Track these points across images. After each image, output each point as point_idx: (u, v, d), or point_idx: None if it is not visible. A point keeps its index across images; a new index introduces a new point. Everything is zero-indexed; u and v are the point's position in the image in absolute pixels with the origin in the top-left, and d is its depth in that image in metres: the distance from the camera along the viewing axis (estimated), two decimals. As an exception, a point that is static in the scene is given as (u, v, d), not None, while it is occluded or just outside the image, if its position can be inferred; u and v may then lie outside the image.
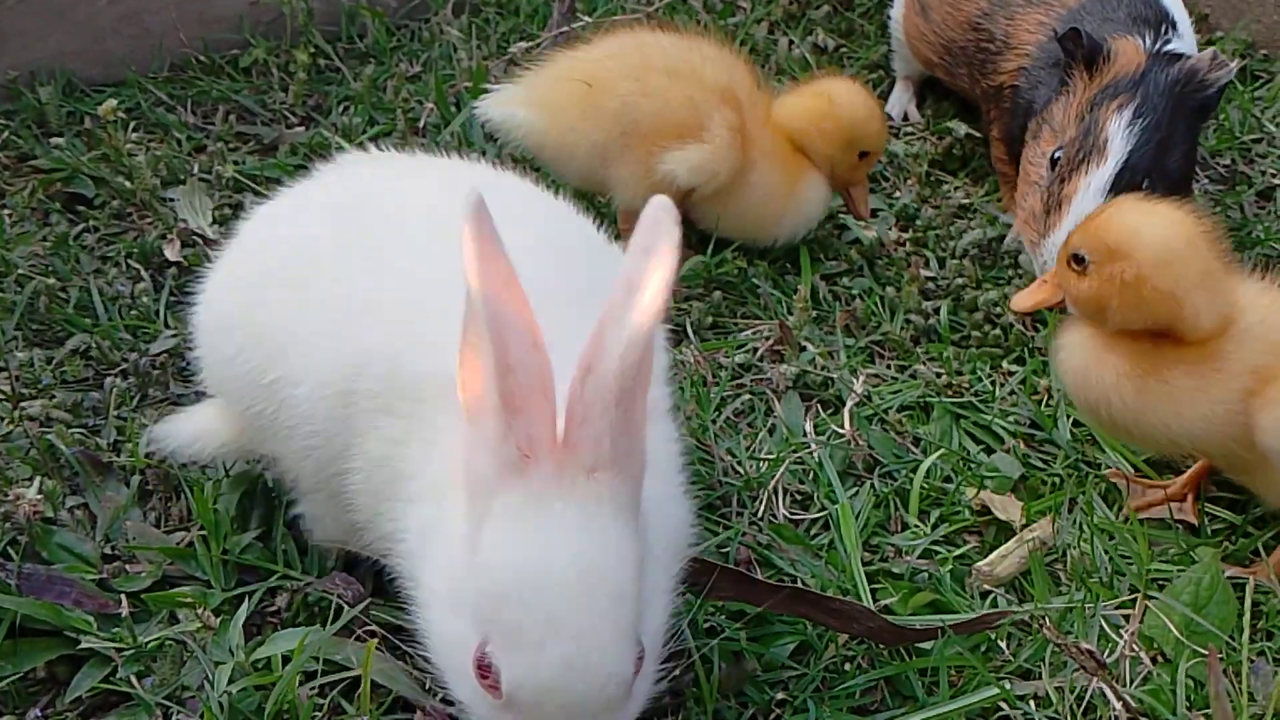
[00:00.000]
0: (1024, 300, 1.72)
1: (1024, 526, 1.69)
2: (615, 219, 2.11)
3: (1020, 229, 2.07)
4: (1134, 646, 1.50)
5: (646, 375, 1.07)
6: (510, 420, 1.05)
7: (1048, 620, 1.46)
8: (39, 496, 1.57)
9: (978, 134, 2.49)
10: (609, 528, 1.07)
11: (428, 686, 1.33)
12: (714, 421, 1.82)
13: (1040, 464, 1.81)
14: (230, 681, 1.38)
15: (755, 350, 1.98)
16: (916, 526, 1.70)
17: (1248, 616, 1.47)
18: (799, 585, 1.55)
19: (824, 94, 2.16)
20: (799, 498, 1.74)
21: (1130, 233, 1.54)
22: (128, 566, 1.53)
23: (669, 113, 2.05)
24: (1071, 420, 1.85)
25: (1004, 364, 1.98)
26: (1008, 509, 1.71)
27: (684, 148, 2.04)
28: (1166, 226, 1.55)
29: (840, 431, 1.83)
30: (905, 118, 2.60)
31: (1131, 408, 1.56)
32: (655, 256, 1.04)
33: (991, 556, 1.64)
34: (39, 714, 1.37)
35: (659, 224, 1.06)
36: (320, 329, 1.29)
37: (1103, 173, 1.92)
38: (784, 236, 2.18)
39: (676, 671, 1.38)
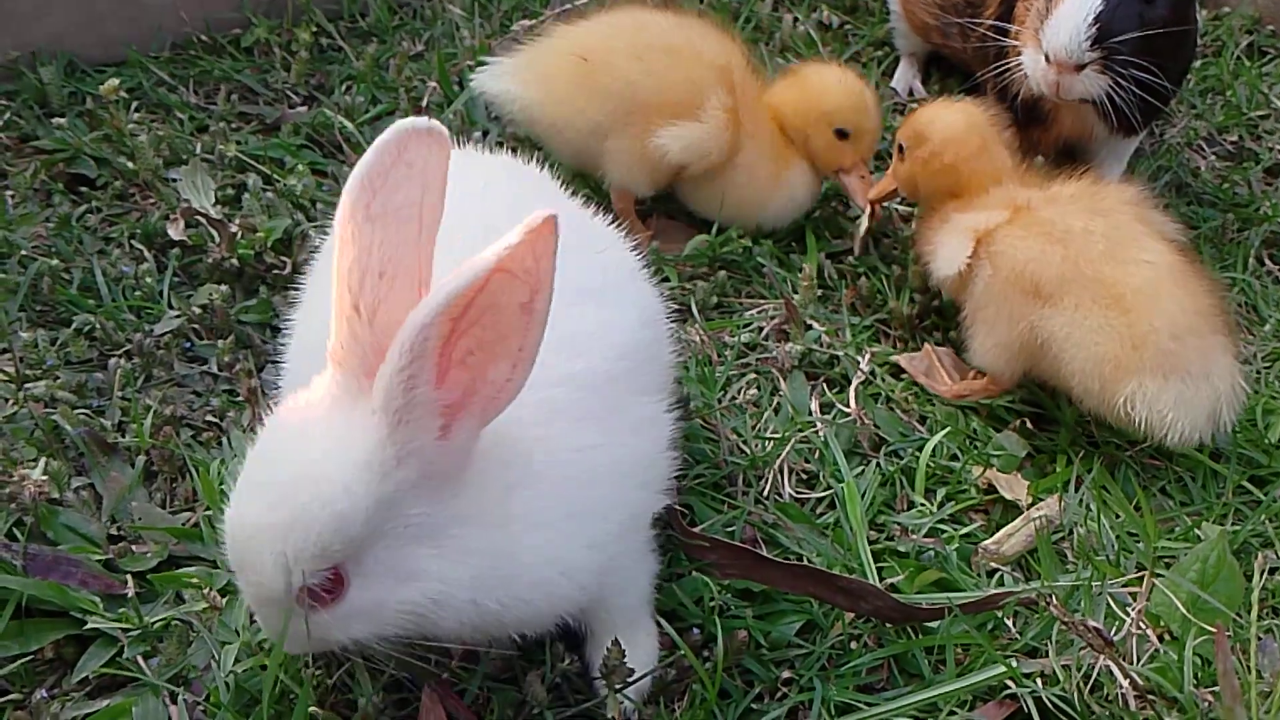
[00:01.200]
0: (871, 192, 2.10)
1: (1030, 505, 1.69)
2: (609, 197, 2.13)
3: (1027, 40, 2.02)
4: (1141, 624, 1.50)
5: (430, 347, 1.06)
6: (335, 325, 1.12)
7: (1054, 598, 1.46)
8: (44, 477, 1.57)
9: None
10: (339, 454, 1.08)
11: (434, 662, 1.33)
12: (719, 401, 1.82)
13: (1046, 442, 1.81)
14: (236, 662, 1.39)
15: (760, 329, 1.97)
16: (922, 505, 1.70)
17: (1256, 593, 1.47)
18: (805, 563, 1.54)
19: (800, 73, 2.15)
20: (805, 477, 1.74)
21: (927, 121, 1.95)
22: (133, 547, 1.53)
23: (667, 91, 2.04)
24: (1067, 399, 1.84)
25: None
26: (1014, 488, 1.71)
27: (679, 125, 2.04)
28: (954, 115, 1.94)
29: (846, 410, 1.82)
30: (911, 94, 2.58)
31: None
32: (485, 257, 1.02)
33: (998, 535, 1.64)
34: (45, 694, 1.37)
35: (528, 228, 1.03)
36: None
37: None
38: (769, 222, 2.17)
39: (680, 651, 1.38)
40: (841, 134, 2.11)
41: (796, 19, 2.68)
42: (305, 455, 1.10)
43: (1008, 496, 1.70)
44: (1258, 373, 1.95)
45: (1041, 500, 1.69)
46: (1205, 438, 1.69)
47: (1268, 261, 2.21)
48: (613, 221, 1.57)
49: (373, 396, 1.08)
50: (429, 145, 1.12)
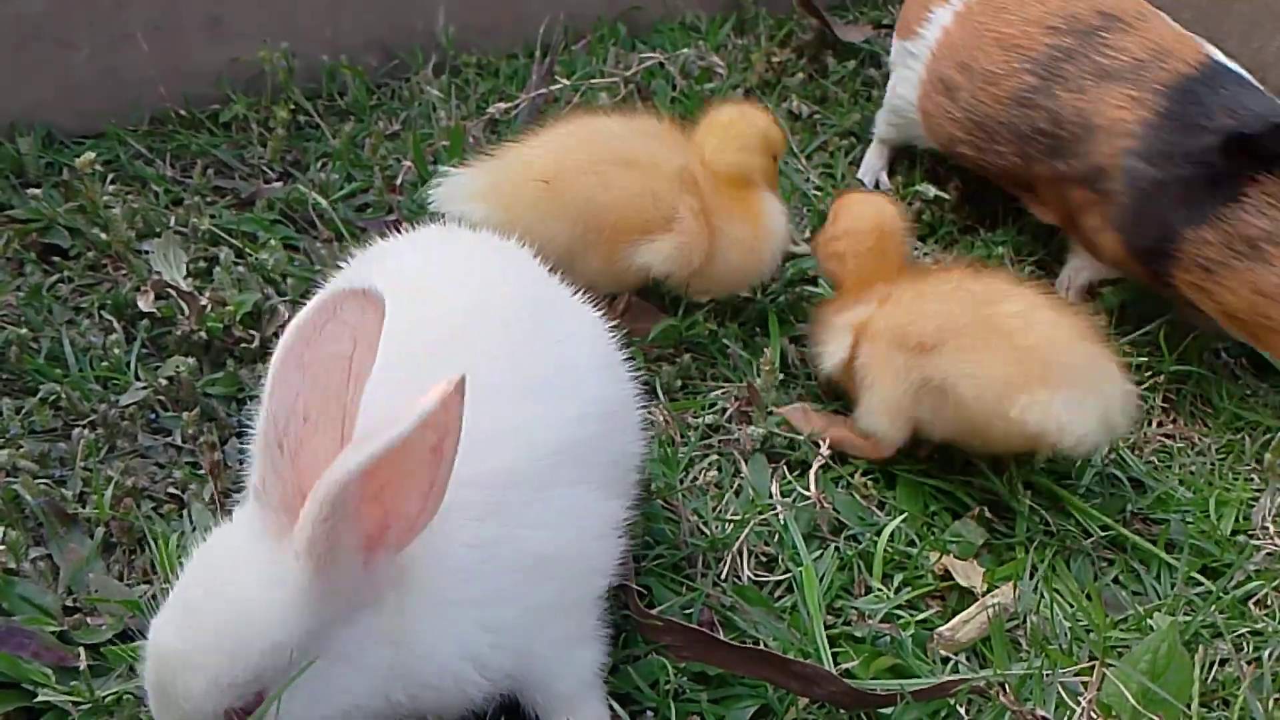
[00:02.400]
0: None
1: (986, 592, 1.70)
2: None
3: None
4: (1092, 714, 1.51)
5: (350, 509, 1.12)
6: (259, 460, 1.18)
7: (1007, 687, 1.47)
8: (1, 547, 1.57)
9: (946, 196, 2.53)
10: (270, 589, 1.13)
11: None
12: (681, 481, 1.83)
13: (1003, 530, 1.83)
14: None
15: (724, 411, 1.99)
16: (879, 590, 1.71)
17: (1197, 686, 1.49)
18: (761, 647, 1.55)
19: (721, 118, 2.18)
20: (764, 559, 1.75)
21: (842, 205, 2.08)
22: (88, 619, 1.53)
23: (632, 207, 2.03)
24: (1030, 490, 1.87)
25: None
26: (970, 575, 1.73)
27: (654, 241, 2.03)
28: (864, 207, 2.06)
29: (806, 494, 1.84)
30: (877, 185, 2.63)
31: None
32: (402, 424, 1.08)
33: (953, 621, 1.65)
34: (-7, 767, 1.36)
35: (443, 394, 1.09)
36: None
37: None
38: (769, 268, 2.19)
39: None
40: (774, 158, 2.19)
41: (768, 108, 2.74)
42: (237, 588, 1.15)
43: (963, 583, 1.71)
44: (1211, 465, 1.98)
45: (997, 588, 1.71)
46: (1101, 443, 1.79)
47: (1223, 354, 2.25)
48: (593, 306, 1.59)
49: (295, 540, 1.12)
50: (364, 306, 1.18)
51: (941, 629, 1.64)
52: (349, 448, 1.11)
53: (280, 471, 1.16)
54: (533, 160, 2.06)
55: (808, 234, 2.39)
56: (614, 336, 1.58)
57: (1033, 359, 1.75)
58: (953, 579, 1.72)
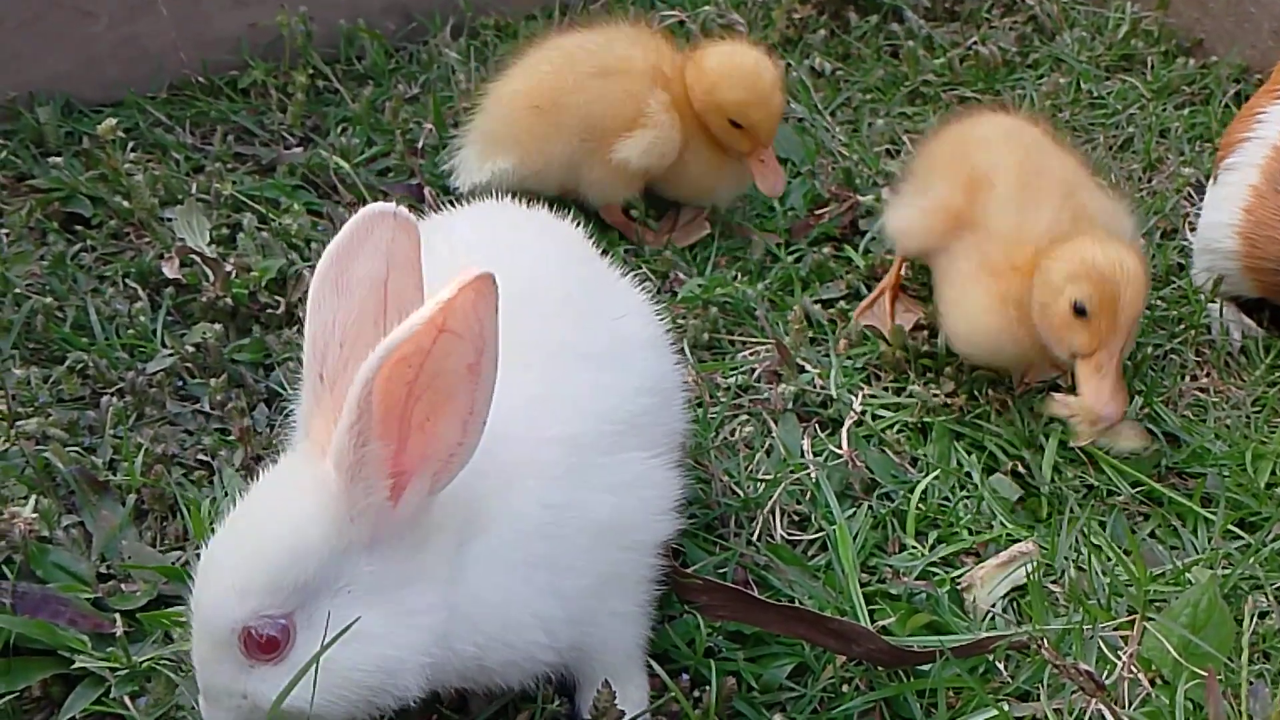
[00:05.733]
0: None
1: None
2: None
3: None
4: (1132, 668, 1.50)
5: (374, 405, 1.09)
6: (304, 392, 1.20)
7: (1046, 642, 1.46)
8: (34, 515, 1.57)
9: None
10: (297, 502, 1.13)
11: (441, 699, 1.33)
12: (712, 442, 1.82)
13: (1037, 487, 1.81)
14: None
15: (753, 371, 1.98)
16: (914, 547, 1.70)
17: (1246, 637, 1.47)
18: (797, 605, 1.54)
19: (701, 57, 2.20)
20: (796, 519, 1.74)
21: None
22: (123, 586, 1.53)
23: (615, 109, 2.17)
24: (1058, 443, 1.85)
25: (997, 388, 1.98)
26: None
27: (632, 136, 2.16)
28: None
29: (838, 452, 1.83)
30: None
31: None
32: (424, 310, 1.05)
33: (986, 564, 1.65)
34: (32, 734, 1.36)
35: (460, 287, 1.05)
36: None
37: None
38: (723, 200, 2.30)
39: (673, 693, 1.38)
40: (735, 124, 2.18)
41: (790, 65, 2.71)
42: (269, 499, 1.16)
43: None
44: (1246, 418, 1.96)
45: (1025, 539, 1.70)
46: None
47: (1257, 308, 2.23)
48: (642, 287, 1.61)
49: (329, 453, 1.11)
50: (395, 228, 1.17)
51: (974, 571, 1.63)
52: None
53: (321, 401, 1.15)
54: (516, 90, 2.22)
55: (832, 188, 2.37)
56: (661, 317, 1.58)
57: None
58: (988, 533, 1.71)
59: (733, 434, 1.86)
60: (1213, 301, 2.12)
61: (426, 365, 1.07)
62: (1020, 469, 1.84)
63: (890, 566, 1.66)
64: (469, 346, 1.08)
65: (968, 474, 1.82)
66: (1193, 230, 2.26)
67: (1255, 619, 1.56)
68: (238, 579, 1.12)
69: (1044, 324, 1.79)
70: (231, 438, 1.76)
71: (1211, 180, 2.18)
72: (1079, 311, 1.73)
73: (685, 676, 1.44)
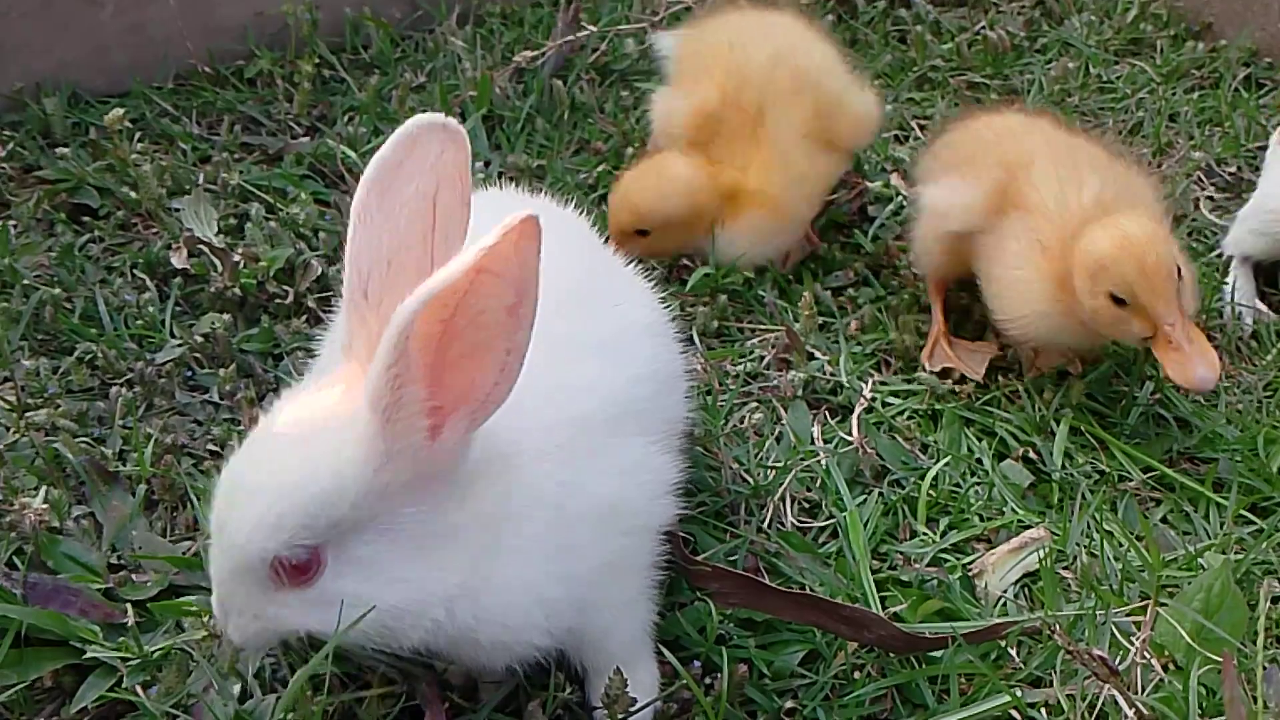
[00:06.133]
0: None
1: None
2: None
3: None
4: (1145, 653, 1.49)
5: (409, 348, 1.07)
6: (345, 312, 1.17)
7: (1059, 627, 1.46)
8: (45, 506, 1.57)
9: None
10: (336, 439, 1.10)
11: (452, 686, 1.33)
12: (722, 429, 1.81)
13: (1048, 473, 1.80)
14: (238, 693, 1.38)
15: (762, 359, 1.97)
16: (925, 534, 1.69)
17: (1261, 621, 1.46)
18: (808, 592, 1.54)
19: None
20: (807, 505, 1.73)
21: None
22: (134, 576, 1.53)
23: None
24: (1069, 429, 1.84)
25: (1008, 375, 1.97)
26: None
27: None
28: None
29: (848, 439, 1.82)
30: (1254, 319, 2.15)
31: None
32: (464, 255, 1.03)
33: (998, 550, 1.64)
34: (45, 723, 1.36)
35: (506, 228, 1.03)
36: None
37: None
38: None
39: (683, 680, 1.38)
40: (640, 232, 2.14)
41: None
42: (305, 431, 1.12)
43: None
44: (1259, 402, 1.95)
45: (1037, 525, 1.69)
46: None
47: (1268, 292, 2.21)
48: (645, 274, 1.59)
49: (365, 390, 1.08)
50: (444, 141, 1.15)
51: (986, 557, 1.63)
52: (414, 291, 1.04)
53: (366, 321, 1.13)
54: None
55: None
56: (665, 304, 1.57)
57: None
58: (999, 520, 1.70)
59: (742, 421, 1.85)
60: (1224, 284, 2.12)
61: (464, 304, 1.05)
62: (1031, 455, 1.83)
63: (901, 553, 1.66)
64: (509, 288, 1.06)
65: (978, 460, 1.81)
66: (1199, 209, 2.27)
67: (1269, 603, 1.55)
68: (272, 512, 1.09)
69: (1102, 324, 1.78)
70: (241, 427, 1.76)
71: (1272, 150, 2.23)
72: (1119, 302, 1.73)
73: (696, 664, 1.44)
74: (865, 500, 1.73)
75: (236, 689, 1.38)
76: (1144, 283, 1.70)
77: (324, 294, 1.98)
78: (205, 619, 1.44)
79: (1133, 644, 1.50)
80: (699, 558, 1.56)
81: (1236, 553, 1.67)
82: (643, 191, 2.10)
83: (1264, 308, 2.14)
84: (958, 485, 1.77)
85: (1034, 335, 1.89)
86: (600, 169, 2.34)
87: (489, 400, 1.12)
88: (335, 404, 1.13)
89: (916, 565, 1.63)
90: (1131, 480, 1.80)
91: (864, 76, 2.27)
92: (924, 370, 1.94)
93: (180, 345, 1.88)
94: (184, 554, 1.56)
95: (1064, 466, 1.80)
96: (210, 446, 1.75)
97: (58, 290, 1.95)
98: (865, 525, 1.67)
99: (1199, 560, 1.65)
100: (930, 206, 1.99)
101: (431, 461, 1.12)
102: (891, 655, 1.49)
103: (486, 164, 2.33)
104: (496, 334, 1.08)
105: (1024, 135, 1.98)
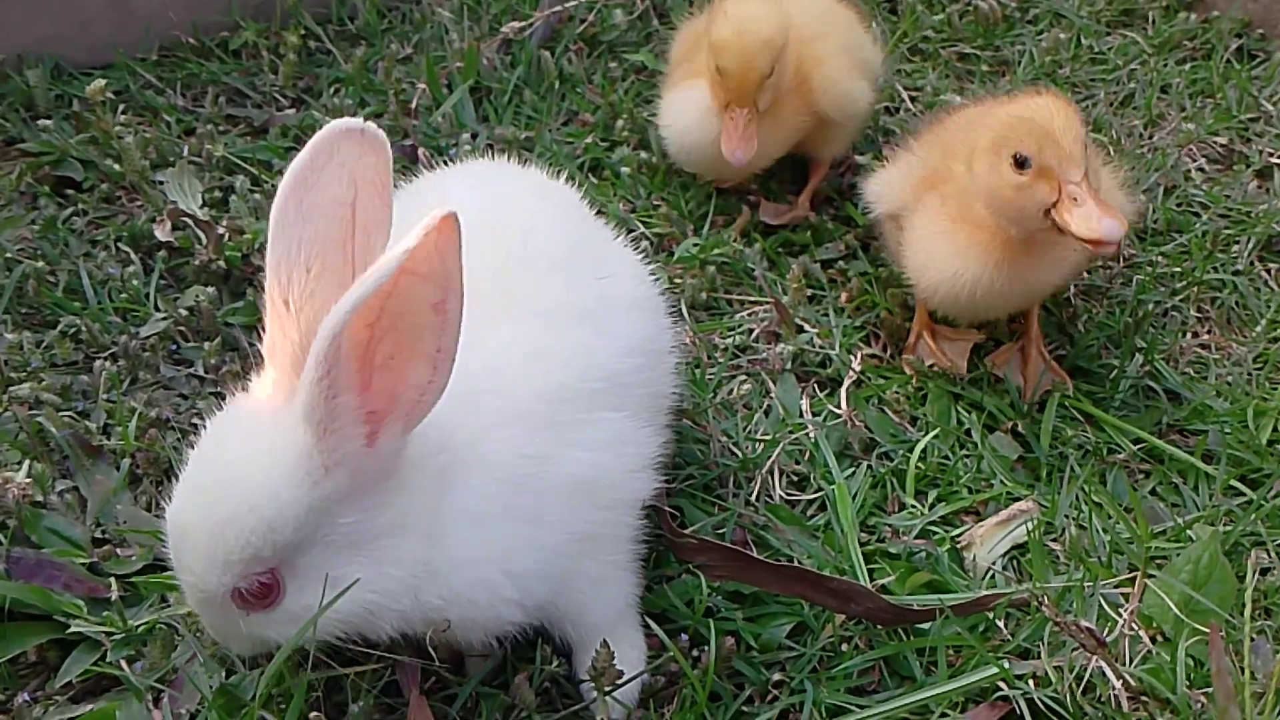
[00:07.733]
0: None
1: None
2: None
3: None
4: (1133, 625, 1.49)
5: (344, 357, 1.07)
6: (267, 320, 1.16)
7: (1047, 599, 1.45)
8: (28, 480, 1.56)
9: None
10: (269, 460, 1.09)
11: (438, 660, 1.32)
12: (710, 402, 1.81)
13: (1037, 444, 1.80)
14: (222, 665, 1.37)
15: (751, 331, 1.96)
16: (914, 506, 1.69)
17: (1249, 593, 1.46)
18: (796, 565, 1.54)
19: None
20: (795, 479, 1.73)
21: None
22: (118, 550, 1.52)
23: None
24: (1059, 400, 1.84)
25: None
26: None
27: None
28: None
29: (837, 412, 1.81)
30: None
31: None
32: (387, 259, 1.02)
33: (986, 523, 1.64)
34: (28, 698, 1.36)
35: (426, 228, 1.02)
36: None
37: None
38: None
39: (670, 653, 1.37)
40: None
41: None
42: (238, 458, 1.11)
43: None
44: (1248, 374, 1.94)
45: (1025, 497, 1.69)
46: None
47: (1258, 264, 2.21)
48: (635, 250, 1.59)
49: (295, 405, 1.08)
50: (362, 146, 1.14)
51: (974, 529, 1.62)
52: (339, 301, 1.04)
53: (286, 329, 1.13)
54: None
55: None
56: (654, 277, 1.57)
57: None
58: (988, 492, 1.70)
59: (731, 394, 1.85)
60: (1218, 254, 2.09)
61: (389, 306, 1.05)
62: (1020, 428, 1.82)
63: (889, 525, 1.65)
64: (433, 286, 1.05)
65: (967, 432, 1.81)
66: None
67: (1257, 575, 1.55)
68: (219, 552, 1.10)
69: (1003, 205, 1.70)
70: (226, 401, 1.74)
71: None
72: (1021, 164, 1.65)
73: (684, 636, 1.44)
74: (854, 473, 1.72)
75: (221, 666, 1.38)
76: (1049, 137, 1.64)
77: (309, 267, 1.97)
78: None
79: (1121, 616, 1.50)
80: (687, 530, 1.55)
81: (1225, 525, 1.67)
82: (760, 20, 1.97)
83: None
84: (946, 458, 1.76)
85: (956, 307, 1.86)
86: (589, 140, 2.32)
87: (423, 400, 1.12)
88: (266, 422, 1.12)
89: (905, 538, 1.63)
90: (1121, 452, 1.79)
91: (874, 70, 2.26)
92: (905, 369, 1.92)
93: (164, 319, 1.87)
94: (169, 528, 1.55)
95: (1053, 438, 1.80)
96: (195, 420, 1.73)
97: (41, 263, 1.94)
98: (854, 498, 1.67)
99: (1188, 532, 1.65)
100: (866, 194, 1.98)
101: (370, 467, 1.13)
102: (879, 627, 1.48)
103: (474, 136, 2.31)
104: (425, 334, 1.08)
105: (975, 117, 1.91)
